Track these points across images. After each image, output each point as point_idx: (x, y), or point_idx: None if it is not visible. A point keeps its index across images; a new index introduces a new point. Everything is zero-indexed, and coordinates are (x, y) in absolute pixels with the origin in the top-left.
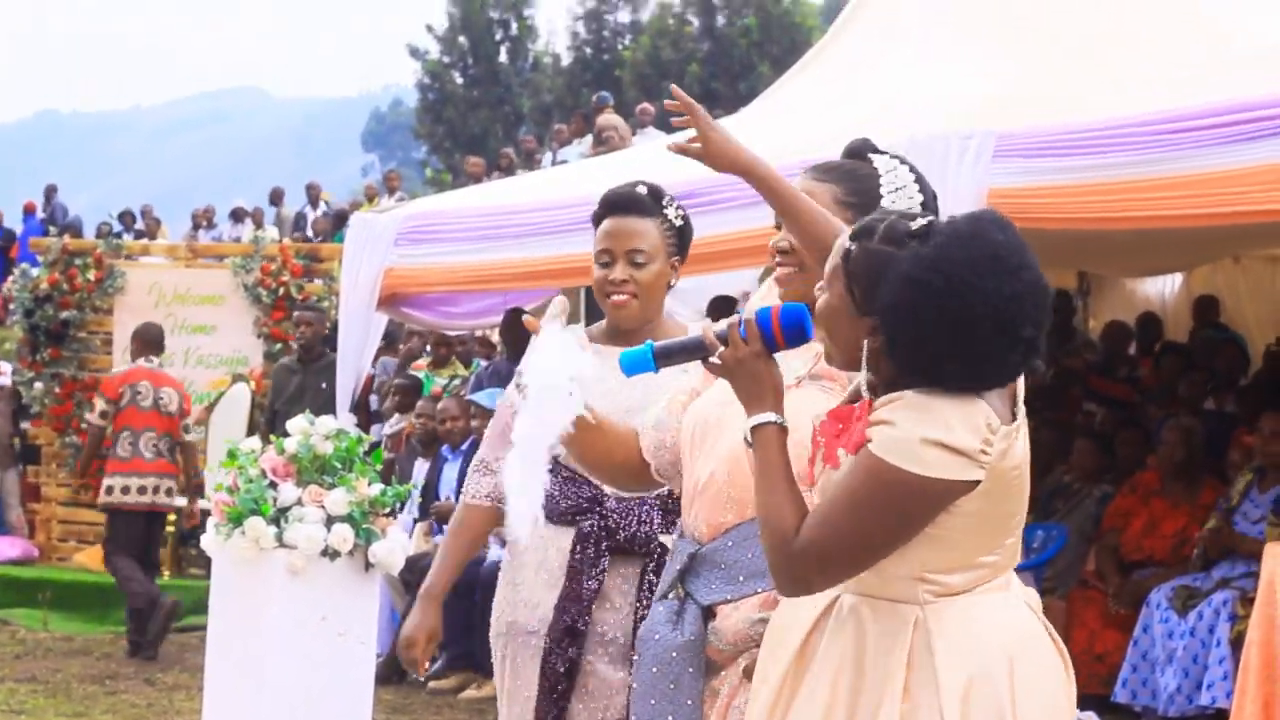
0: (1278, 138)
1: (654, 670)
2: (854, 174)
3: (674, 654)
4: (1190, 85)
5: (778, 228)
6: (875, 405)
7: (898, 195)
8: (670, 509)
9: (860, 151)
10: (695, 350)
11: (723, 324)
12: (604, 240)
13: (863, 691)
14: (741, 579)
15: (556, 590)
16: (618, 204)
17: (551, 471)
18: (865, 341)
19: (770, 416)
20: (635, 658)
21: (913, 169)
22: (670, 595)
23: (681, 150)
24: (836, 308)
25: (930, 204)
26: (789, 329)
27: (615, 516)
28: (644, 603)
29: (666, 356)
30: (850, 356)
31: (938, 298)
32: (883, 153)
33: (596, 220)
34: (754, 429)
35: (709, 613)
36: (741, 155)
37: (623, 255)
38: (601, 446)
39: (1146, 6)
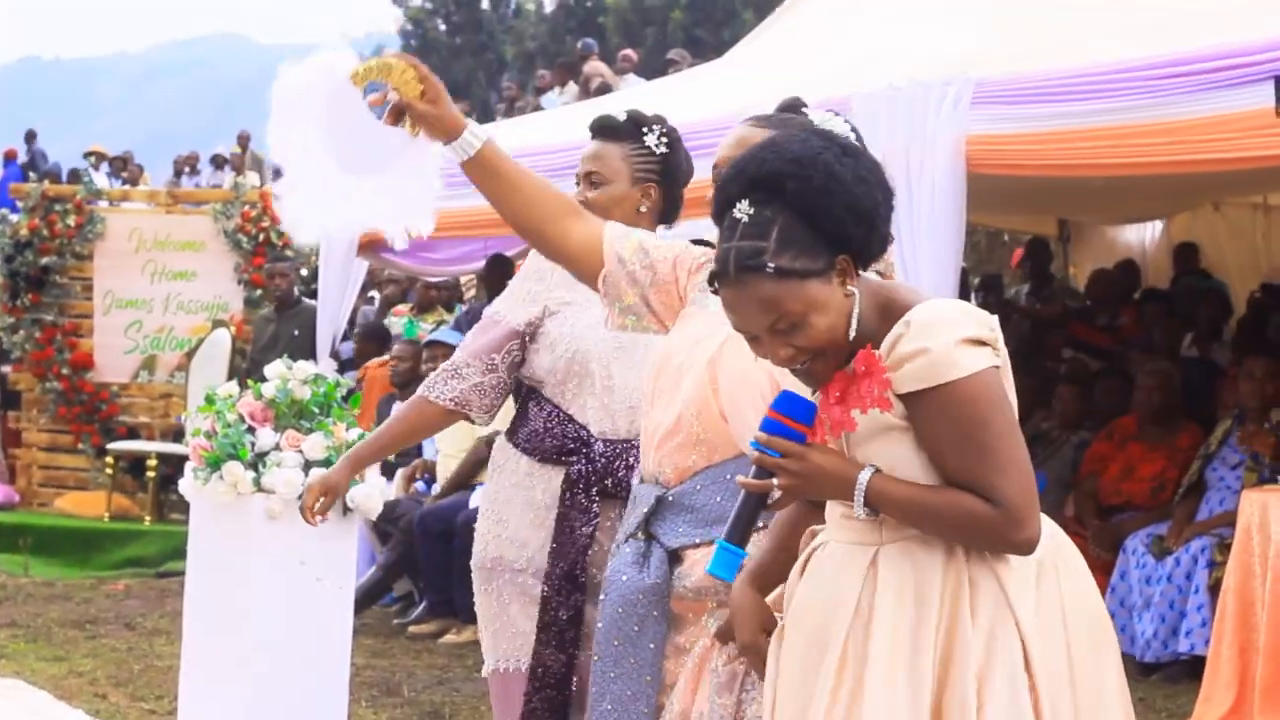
0: (1257, 84)
1: (619, 610)
2: (790, 124)
3: (639, 596)
4: (1169, 32)
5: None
6: (882, 352)
7: None
8: None
9: (794, 107)
10: (755, 505)
11: (749, 469)
12: (579, 163)
13: (928, 620)
14: (709, 523)
15: (543, 530)
16: (593, 128)
17: (538, 407)
18: (845, 291)
19: (866, 473)
20: (601, 597)
21: (851, 125)
22: (638, 536)
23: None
24: (818, 304)
25: None
26: (800, 415)
27: (603, 460)
28: None
29: (741, 532)
30: (842, 338)
31: (860, 174)
32: (815, 110)
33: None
34: (867, 495)
35: (675, 557)
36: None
37: (583, 177)
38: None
39: None
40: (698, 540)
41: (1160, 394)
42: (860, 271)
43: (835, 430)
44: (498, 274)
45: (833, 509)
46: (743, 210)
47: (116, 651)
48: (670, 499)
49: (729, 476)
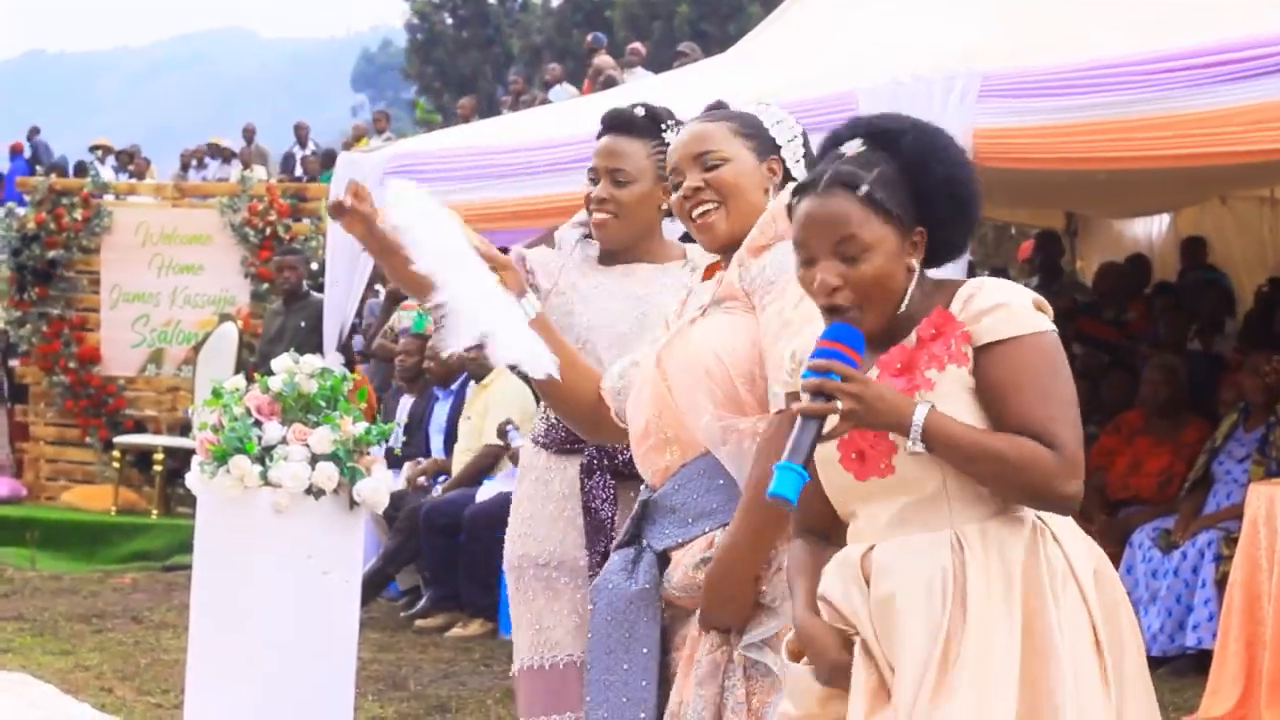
0: (1264, 77)
1: (606, 618)
2: (737, 114)
3: (628, 603)
4: (1175, 27)
5: (593, 181)
6: (957, 304)
7: (794, 145)
8: None
9: (720, 105)
10: (814, 432)
11: (795, 392)
12: (594, 158)
13: (1018, 604)
14: (690, 520)
15: (561, 521)
16: (610, 123)
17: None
18: (908, 263)
19: (922, 410)
20: (589, 606)
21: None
22: (629, 544)
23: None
24: (886, 249)
25: (811, 154)
26: (852, 344)
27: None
28: None
29: (802, 455)
30: (892, 300)
31: (967, 162)
32: (754, 104)
33: (599, 139)
34: (925, 428)
35: (665, 558)
36: None
37: (606, 174)
38: (570, 378)
39: None
40: (680, 540)
41: (1166, 388)
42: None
43: (913, 387)
44: None
45: (879, 513)
46: (852, 147)
47: (123, 645)
48: (655, 501)
49: (702, 472)
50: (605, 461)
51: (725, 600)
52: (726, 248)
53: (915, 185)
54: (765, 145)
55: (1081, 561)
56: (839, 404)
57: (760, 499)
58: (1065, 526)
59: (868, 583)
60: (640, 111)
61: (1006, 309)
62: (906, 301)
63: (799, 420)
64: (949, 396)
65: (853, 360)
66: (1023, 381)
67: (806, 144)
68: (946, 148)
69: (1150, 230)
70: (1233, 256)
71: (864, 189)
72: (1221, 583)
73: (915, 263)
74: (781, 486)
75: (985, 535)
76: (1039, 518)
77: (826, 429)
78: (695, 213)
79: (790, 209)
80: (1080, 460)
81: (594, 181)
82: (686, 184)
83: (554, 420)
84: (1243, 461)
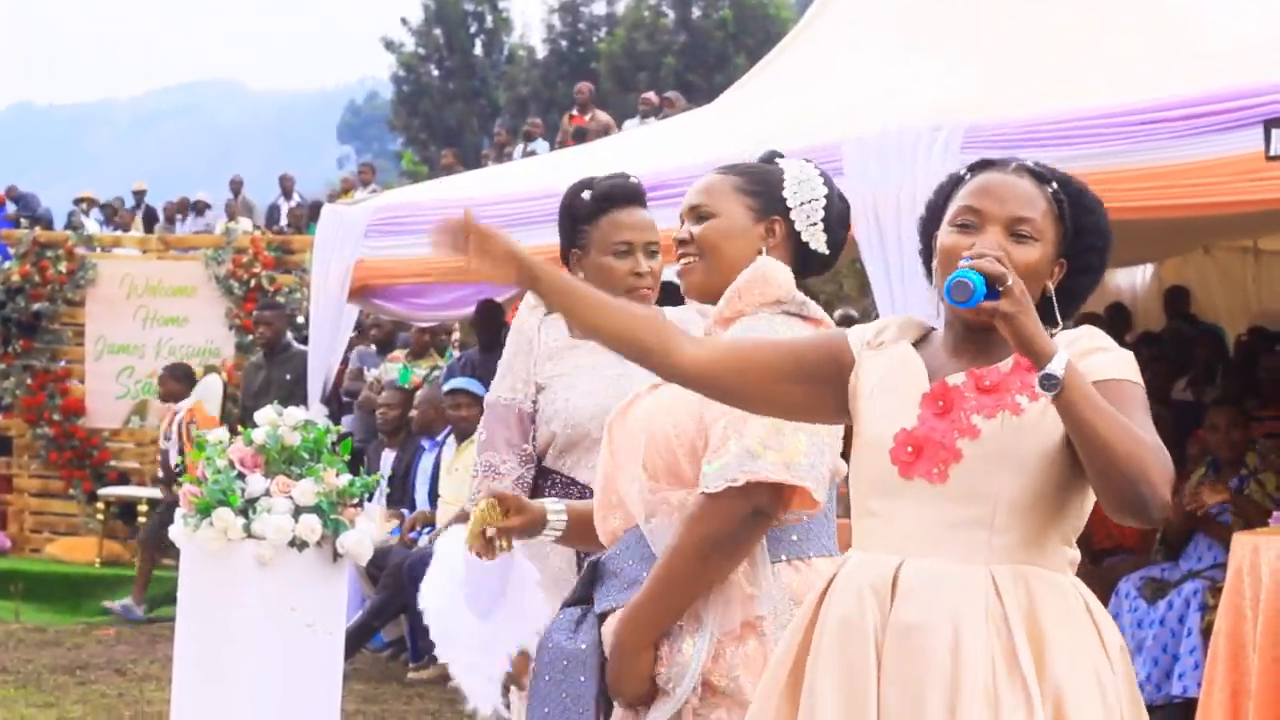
0: (1246, 129)
1: (546, 678)
2: (756, 169)
3: (566, 661)
4: (1158, 79)
5: (681, 221)
6: (1060, 341)
7: (809, 207)
8: None
9: (769, 159)
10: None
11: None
12: (623, 232)
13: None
14: (625, 586)
15: (556, 599)
16: (634, 196)
17: (544, 479)
18: (1043, 285)
19: (1065, 355)
20: (532, 665)
21: (826, 178)
22: (577, 604)
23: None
24: (1046, 251)
25: (843, 214)
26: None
27: None
28: None
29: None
30: (1030, 305)
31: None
32: (789, 160)
33: (597, 209)
34: (1067, 366)
35: (603, 619)
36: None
37: (642, 247)
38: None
39: (1111, 8)
40: (614, 605)
41: None
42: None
43: (994, 409)
44: (488, 320)
45: (908, 521)
46: (1036, 164)
47: (107, 697)
48: (603, 563)
49: (638, 539)
50: None
51: (618, 674)
52: (705, 300)
53: (1077, 222)
54: (769, 205)
55: (1111, 635)
56: (1009, 280)
57: (672, 571)
58: (1092, 597)
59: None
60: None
61: (1114, 354)
62: (1033, 307)
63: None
64: (1035, 428)
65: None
66: (1129, 410)
67: (831, 207)
68: (1101, 205)
69: (1134, 280)
70: (1215, 306)
71: (1054, 186)
72: (1207, 632)
73: (1051, 285)
74: (967, 274)
75: (1019, 582)
76: (1075, 584)
77: (990, 304)
78: (679, 263)
79: (960, 180)
80: (1173, 480)
81: (623, 254)
82: (677, 234)
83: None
84: (1218, 516)
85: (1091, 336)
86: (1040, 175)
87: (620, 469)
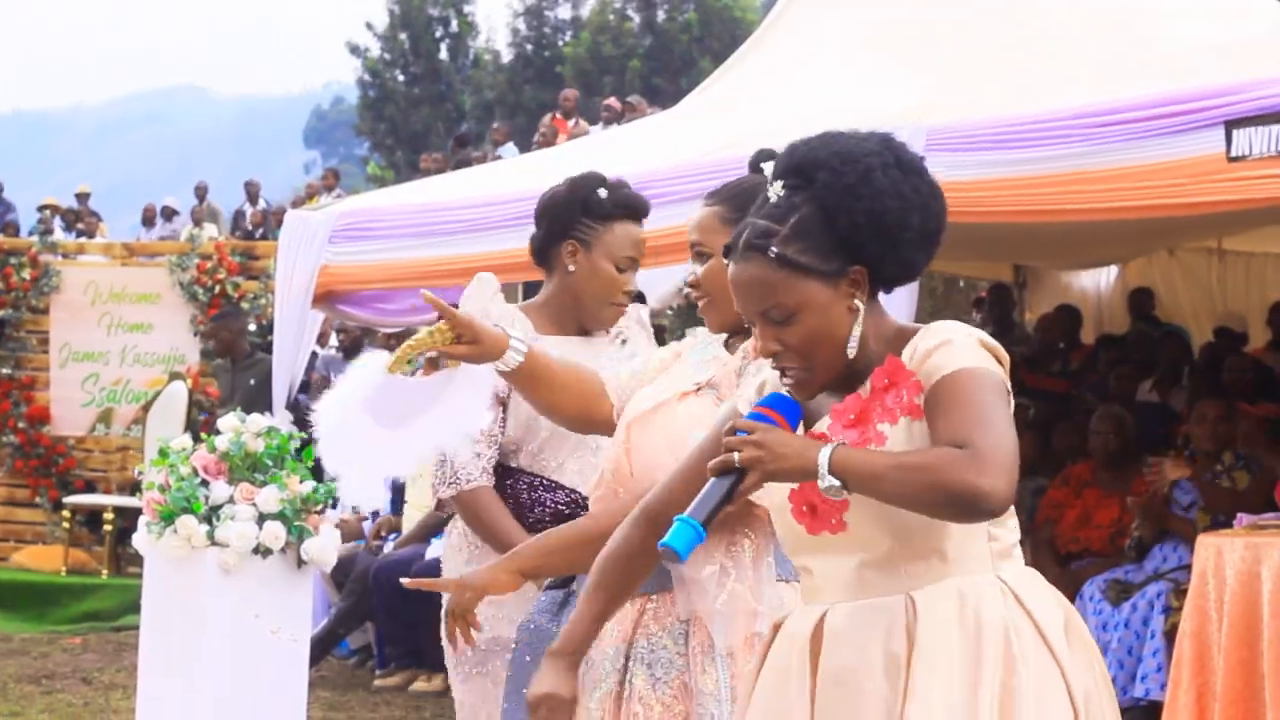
0: (1208, 129)
1: (527, 659)
2: (737, 192)
3: (548, 643)
4: (1120, 80)
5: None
6: (905, 358)
7: None
8: None
9: (761, 159)
10: (722, 491)
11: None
12: (633, 247)
13: (986, 671)
14: None
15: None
16: (646, 213)
17: (513, 480)
18: (850, 304)
19: (827, 449)
20: (513, 646)
21: None
22: (561, 586)
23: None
24: (815, 306)
25: None
26: (783, 412)
27: None
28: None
29: (707, 514)
30: (838, 348)
31: (897, 188)
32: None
33: (615, 212)
34: (833, 463)
35: None
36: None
37: (636, 265)
38: (551, 384)
39: (1071, 12)
40: None
41: (1115, 439)
42: (880, 292)
43: (863, 441)
44: None
45: (834, 571)
46: (774, 191)
47: (73, 706)
48: None
49: None
50: None
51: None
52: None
53: (834, 225)
54: None
55: (1049, 617)
56: (738, 456)
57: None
58: (1026, 583)
59: (816, 653)
60: None
61: (949, 345)
62: (856, 343)
63: (711, 479)
64: (901, 450)
65: (776, 423)
66: (952, 404)
67: None
68: (869, 178)
69: (1098, 282)
70: (1180, 308)
71: (773, 251)
72: (1171, 634)
73: (858, 302)
74: (675, 539)
75: (939, 597)
76: (1000, 578)
77: (741, 486)
78: (698, 302)
79: None
80: (996, 459)
81: (623, 271)
82: (689, 275)
83: (522, 499)
84: (1189, 509)
85: (937, 332)
86: (759, 245)
87: (636, 472)
